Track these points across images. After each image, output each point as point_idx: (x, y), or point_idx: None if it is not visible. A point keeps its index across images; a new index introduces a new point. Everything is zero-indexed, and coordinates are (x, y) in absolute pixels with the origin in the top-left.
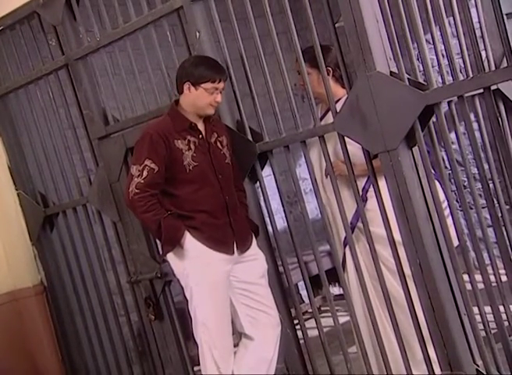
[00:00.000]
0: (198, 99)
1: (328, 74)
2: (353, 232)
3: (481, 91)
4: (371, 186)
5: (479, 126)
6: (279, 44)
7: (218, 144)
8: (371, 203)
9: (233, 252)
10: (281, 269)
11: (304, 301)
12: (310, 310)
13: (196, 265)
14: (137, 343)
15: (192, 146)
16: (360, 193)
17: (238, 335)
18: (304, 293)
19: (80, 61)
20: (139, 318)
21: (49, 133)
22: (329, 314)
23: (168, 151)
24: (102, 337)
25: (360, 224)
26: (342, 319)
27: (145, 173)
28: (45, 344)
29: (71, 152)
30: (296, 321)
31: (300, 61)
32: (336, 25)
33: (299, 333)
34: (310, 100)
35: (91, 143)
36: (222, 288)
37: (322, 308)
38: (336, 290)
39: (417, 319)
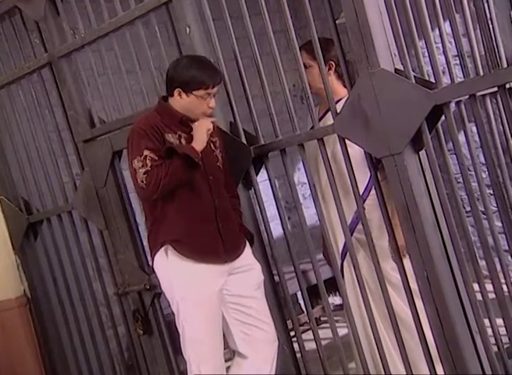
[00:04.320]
0: (190, 106)
1: (330, 69)
2: None
3: (492, 90)
4: (370, 195)
5: (490, 128)
6: (278, 43)
7: (211, 145)
8: (369, 213)
9: (224, 261)
10: (277, 278)
11: (303, 312)
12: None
13: (182, 278)
14: (125, 358)
15: (183, 141)
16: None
17: (230, 350)
18: (303, 302)
19: (64, 59)
20: (127, 331)
21: (32, 136)
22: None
23: (161, 143)
24: (88, 351)
25: (358, 235)
26: (343, 331)
27: (148, 163)
28: (28, 359)
29: (56, 156)
30: (292, 333)
31: (297, 57)
32: (337, 22)
33: (296, 345)
34: (308, 99)
35: (76, 146)
36: (212, 302)
37: (322, 319)
38: (336, 299)
39: (424, 337)
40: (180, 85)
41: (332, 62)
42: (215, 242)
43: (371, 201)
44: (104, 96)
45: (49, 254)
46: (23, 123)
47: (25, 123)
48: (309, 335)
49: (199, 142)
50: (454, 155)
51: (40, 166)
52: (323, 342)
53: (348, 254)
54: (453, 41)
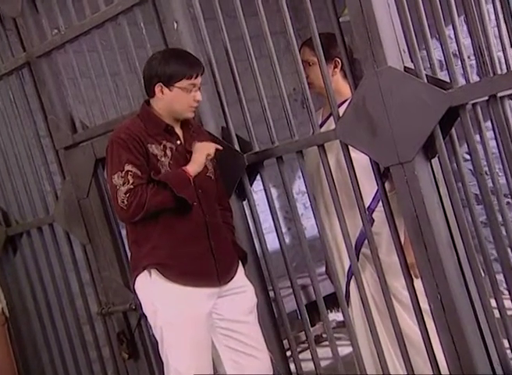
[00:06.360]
0: (174, 102)
1: (335, 67)
2: (357, 259)
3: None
4: (379, 207)
5: (509, 132)
6: (277, 45)
7: None
8: (378, 226)
9: (217, 284)
10: (272, 294)
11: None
12: None
13: (167, 300)
14: None
15: (168, 152)
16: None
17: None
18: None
19: (44, 58)
20: (111, 354)
21: (11, 142)
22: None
23: (144, 156)
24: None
25: (365, 250)
26: (347, 349)
27: (131, 179)
28: None
29: (36, 164)
30: (289, 353)
31: (295, 58)
32: (340, 19)
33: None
34: (307, 101)
35: (57, 153)
36: (199, 327)
37: (325, 336)
38: (340, 315)
39: (437, 364)
40: (161, 79)
41: (337, 60)
42: (207, 264)
43: (382, 212)
44: (87, 99)
45: (29, 269)
46: (0, 128)
47: (3, 127)
48: (309, 354)
49: (195, 165)
50: (465, 163)
51: (19, 175)
52: (327, 361)
53: None
54: (467, 37)
